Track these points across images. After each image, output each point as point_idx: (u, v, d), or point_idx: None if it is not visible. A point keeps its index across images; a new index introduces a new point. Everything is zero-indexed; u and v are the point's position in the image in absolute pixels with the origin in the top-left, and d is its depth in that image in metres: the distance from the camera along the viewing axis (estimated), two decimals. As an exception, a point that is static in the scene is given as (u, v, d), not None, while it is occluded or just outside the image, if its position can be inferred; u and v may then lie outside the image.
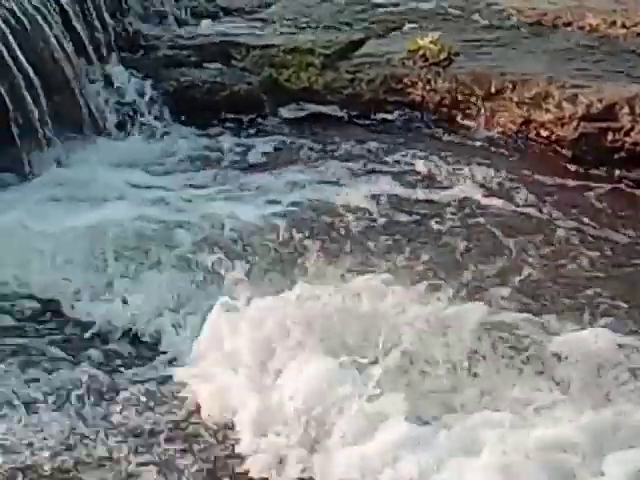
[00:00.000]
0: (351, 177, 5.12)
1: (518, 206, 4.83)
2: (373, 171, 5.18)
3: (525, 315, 3.93)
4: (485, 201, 4.86)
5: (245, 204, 4.85)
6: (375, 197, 4.91)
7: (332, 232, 4.63)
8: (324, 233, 4.60)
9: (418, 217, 4.75)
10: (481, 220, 4.71)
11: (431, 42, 5.71)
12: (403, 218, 4.75)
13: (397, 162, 5.26)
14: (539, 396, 3.50)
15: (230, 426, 3.58)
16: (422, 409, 3.47)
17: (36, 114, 5.06)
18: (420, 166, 5.18)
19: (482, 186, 4.99)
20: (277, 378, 3.59)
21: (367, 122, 5.64)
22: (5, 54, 4.98)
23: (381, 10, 6.32)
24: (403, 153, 5.32)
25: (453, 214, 4.77)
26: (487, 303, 3.97)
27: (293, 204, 4.86)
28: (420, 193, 4.95)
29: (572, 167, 5.18)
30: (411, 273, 4.23)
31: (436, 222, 4.70)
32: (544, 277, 4.32)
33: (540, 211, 4.80)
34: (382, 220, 4.73)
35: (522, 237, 4.58)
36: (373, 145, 5.43)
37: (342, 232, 4.63)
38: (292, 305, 3.81)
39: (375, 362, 3.56)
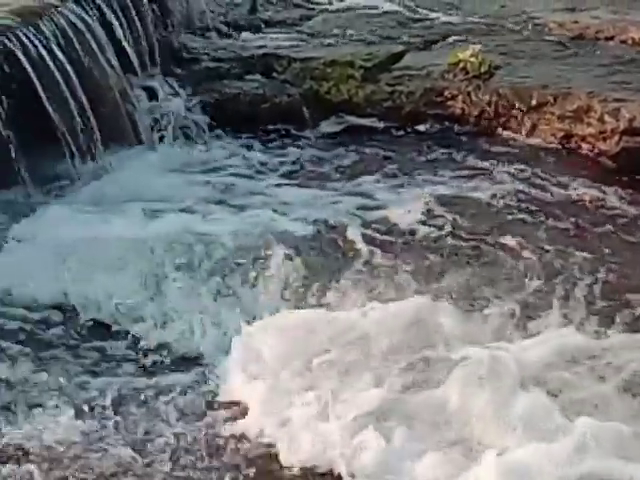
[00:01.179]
0: (390, 189, 5.16)
1: (560, 218, 4.84)
2: (411, 183, 5.20)
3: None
4: (527, 211, 4.88)
5: (285, 215, 4.91)
6: (414, 209, 4.92)
7: (373, 244, 4.64)
8: (367, 244, 4.62)
9: (460, 230, 4.76)
10: (526, 231, 4.72)
11: (472, 55, 5.75)
12: (445, 231, 4.76)
13: (436, 174, 5.29)
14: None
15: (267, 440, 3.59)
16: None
17: (82, 124, 5.14)
18: (460, 178, 5.20)
19: (522, 196, 5.01)
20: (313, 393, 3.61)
21: (407, 134, 5.69)
22: (53, 68, 5.09)
23: (421, 24, 6.39)
24: (442, 165, 5.37)
25: (497, 225, 4.78)
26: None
27: (334, 215, 4.89)
28: (460, 205, 4.97)
29: (613, 179, 5.18)
30: (469, 290, 4.24)
31: (480, 234, 4.71)
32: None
33: (583, 221, 4.81)
34: (423, 231, 4.75)
35: (572, 249, 4.57)
36: (412, 157, 5.49)
37: (384, 245, 4.65)
38: (328, 321, 3.86)
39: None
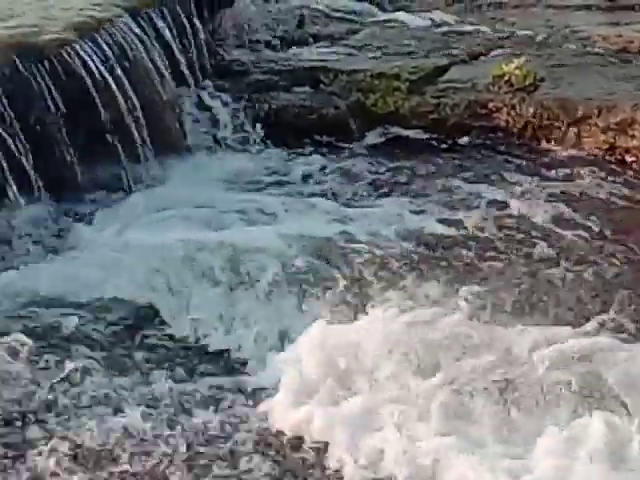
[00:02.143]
0: (436, 200, 5.22)
1: (607, 229, 4.87)
2: (455, 194, 5.27)
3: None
4: (571, 223, 4.92)
5: (330, 224, 5.00)
6: (460, 220, 5.00)
7: (414, 256, 4.69)
8: (411, 254, 4.69)
9: (508, 241, 4.80)
10: (569, 243, 4.77)
11: (516, 68, 5.82)
12: (492, 243, 4.80)
13: (480, 185, 5.35)
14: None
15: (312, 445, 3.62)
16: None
17: (135, 133, 5.32)
18: (504, 189, 5.27)
19: (566, 207, 5.05)
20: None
21: (452, 145, 5.78)
22: (109, 79, 5.27)
23: (466, 37, 6.49)
24: (486, 176, 5.43)
25: (543, 237, 4.81)
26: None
27: (379, 224, 4.97)
28: (505, 216, 5.02)
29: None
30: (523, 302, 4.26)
31: (525, 245, 4.75)
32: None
33: (626, 234, 4.83)
34: (470, 243, 4.79)
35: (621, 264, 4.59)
36: (457, 168, 5.57)
37: (424, 257, 4.69)
38: (380, 329, 3.93)
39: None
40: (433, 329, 3.97)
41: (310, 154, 5.72)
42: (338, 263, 4.62)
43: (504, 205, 5.13)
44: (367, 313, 4.18)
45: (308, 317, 4.26)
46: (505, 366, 3.77)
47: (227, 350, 4.20)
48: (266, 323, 4.30)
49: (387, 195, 5.32)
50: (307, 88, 6.02)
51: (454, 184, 5.36)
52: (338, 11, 6.82)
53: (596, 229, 4.88)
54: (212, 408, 3.79)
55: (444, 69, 6.12)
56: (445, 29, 6.60)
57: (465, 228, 4.92)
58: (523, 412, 3.61)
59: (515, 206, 5.10)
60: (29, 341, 4.06)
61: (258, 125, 5.79)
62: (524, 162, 5.56)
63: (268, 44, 6.43)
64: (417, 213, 5.09)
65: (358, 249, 4.73)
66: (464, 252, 4.71)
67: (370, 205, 5.20)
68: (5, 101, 4.90)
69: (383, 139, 5.86)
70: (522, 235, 4.84)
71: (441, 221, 4.98)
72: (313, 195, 5.31)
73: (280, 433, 3.67)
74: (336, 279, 4.50)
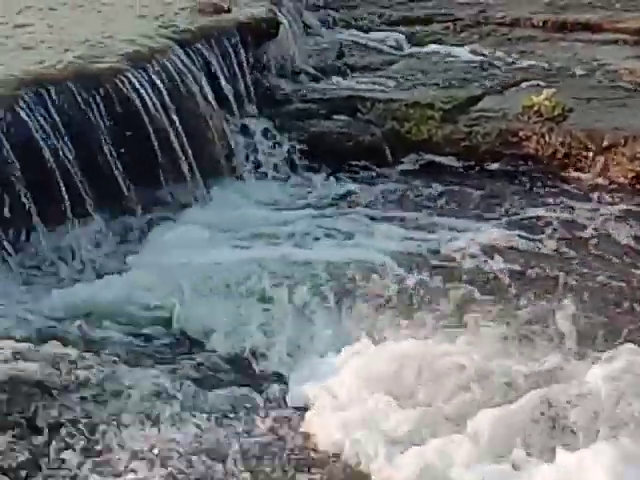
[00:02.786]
0: (467, 224, 5.44)
1: (633, 258, 5.02)
2: (487, 219, 5.48)
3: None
4: (599, 248, 5.12)
5: (368, 245, 5.22)
6: (489, 245, 5.18)
7: (448, 278, 4.87)
8: (444, 278, 4.86)
9: (535, 267, 4.95)
10: (595, 268, 4.94)
11: (546, 99, 6.06)
12: (520, 267, 4.95)
13: (511, 210, 5.57)
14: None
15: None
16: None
17: (182, 158, 5.58)
18: (532, 215, 5.46)
19: (593, 234, 5.25)
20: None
21: (483, 172, 6.02)
22: (159, 105, 5.57)
23: (498, 69, 6.72)
24: (517, 202, 5.66)
25: (568, 263, 4.99)
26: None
27: (413, 247, 5.20)
28: (534, 242, 5.20)
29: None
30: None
31: (553, 271, 4.91)
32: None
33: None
34: (496, 267, 4.96)
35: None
36: (488, 193, 5.80)
37: (459, 279, 4.86)
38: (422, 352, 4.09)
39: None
40: (466, 352, 4.13)
41: (347, 179, 5.97)
42: (375, 282, 4.82)
43: (532, 230, 5.31)
44: (405, 332, 4.38)
45: (346, 333, 4.48)
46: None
47: (264, 363, 4.41)
48: (304, 338, 4.52)
49: (420, 217, 5.53)
50: (345, 116, 6.27)
51: (485, 209, 5.59)
52: (375, 43, 7.07)
53: (623, 257, 5.04)
54: (248, 421, 3.98)
55: (476, 99, 6.37)
56: (477, 61, 6.82)
57: (495, 252, 5.09)
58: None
59: (543, 231, 5.30)
60: (78, 354, 4.28)
61: (298, 151, 6.05)
62: (552, 189, 5.78)
63: (309, 74, 6.68)
64: (448, 236, 5.28)
65: (389, 269, 4.92)
66: (494, 276, 4.88)
67: (403, 226, 5.41)
68: (61, 126, 5.21)
69: (417, 165, 6.10)
70: (550, 261, 5.01)
71: (472, 244, 5.17)
72: (349, 217, 5.54)
73: (315, 448, 3.84)
74: (374, 298, 4.70)
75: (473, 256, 5.07)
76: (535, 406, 3.79)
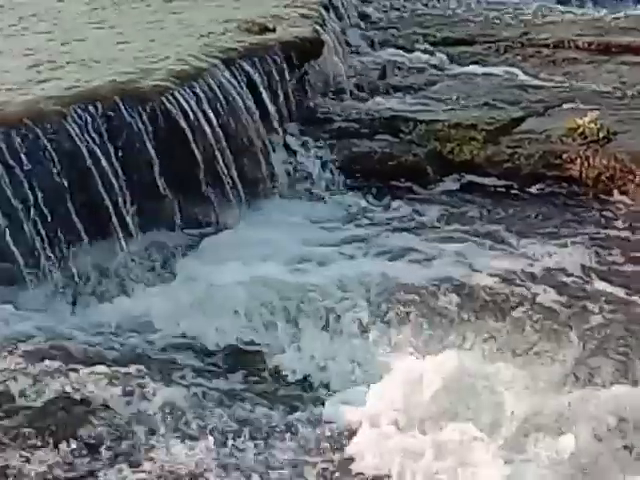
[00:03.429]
0: (509, 245, 5.43)
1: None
2: (528, 241, 5.44)
3: None
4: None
5: (412, 265, 5.23)
6: (530, 267, 5.14)
7: (491, 300, 4.86)
8: (487, 301, 4.86)
9: (579, 292, 4.93)
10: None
11: (590, 121, 6.03)
12: (563, 291, 4.93)
13: (552, 234, 5.53)
14: None
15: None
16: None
17: (226, 175, 5.63)
18: (575, 238, 5.43)
19: (637, 258, 5.20)
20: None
21: (525, 194, 5.98)
22: (203, 122, 5.62)
23: (541, 90, 6.71)
24: (559, 225, 5.62)
25: (611, 287, 4.94)
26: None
27: (455, 267, 5.18)
28: (574, 265, 5.17)
29: None
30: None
31: (597, 294, 4.89)
32: None
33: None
34: (538, 290, 4.92)
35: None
36: (530, 215, 5.76)
37: (497, 302, 4.83)
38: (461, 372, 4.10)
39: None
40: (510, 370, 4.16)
41: (389, 198, 5.96)
42: (424, 302, 4.83)
43: (574, 254, 5.28)
44: (457, 351, 4.37)
45: (395, 353, 4.51)
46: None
47: (313, 382, 4.47)
48: (353, 357, 4.56)
49: (460, 237, 5.51)
50: (387, 136, 6.29)
51: (527, 230, 5.55)
52: (418, 63, 7.10)
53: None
54: (286, 441, 4.01)
55: (519, 120, 6.36)
56: (521, 82, 6.83)
57: (536, 275, 5.06)
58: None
59: (584, 255, 5.26)
60: (121, 370, 4.35)
61: (340, 170, 6.08)
62: (596, 212, 5.74)
63: (352, 93, 6.73)
64: (489, 256, 5.29)
65: (434, 288, 4.93)
66: (537, 299, 4.84)
67: (443, 247, 5.40)
68: (108, 142, 5.28)
69: (458, 186, 6.10)
70: (592, 285, 4.98)
71: (513, 265, 5.14)
72: (391, 236, 5.55)
73: (364, 466, 3.86)
74: (421, 317, 4.71)
75: (513, 278, 5.03)
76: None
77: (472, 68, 7.08)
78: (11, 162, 4.93)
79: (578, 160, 5.94)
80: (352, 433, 4.02)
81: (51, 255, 5.00)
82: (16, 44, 6.18)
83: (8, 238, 4.82)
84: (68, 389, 4.21)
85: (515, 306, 4.79)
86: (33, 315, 4.80)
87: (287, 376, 4.53)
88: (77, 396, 4.19)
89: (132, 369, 4.36)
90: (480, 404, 3.97)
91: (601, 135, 5.99)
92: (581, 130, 6.05)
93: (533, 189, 5.98)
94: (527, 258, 5.24)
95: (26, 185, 4.95)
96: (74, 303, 5.02)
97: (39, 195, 4.96)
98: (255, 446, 3.97)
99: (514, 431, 3.86)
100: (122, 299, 5.02)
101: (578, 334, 4.56)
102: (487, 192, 6.02)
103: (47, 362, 4.34)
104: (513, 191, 6.01)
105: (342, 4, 7.49)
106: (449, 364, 4.16)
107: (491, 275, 5.07)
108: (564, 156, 5.97)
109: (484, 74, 6.95)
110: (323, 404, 4.28)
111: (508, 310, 4.75)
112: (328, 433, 4.06)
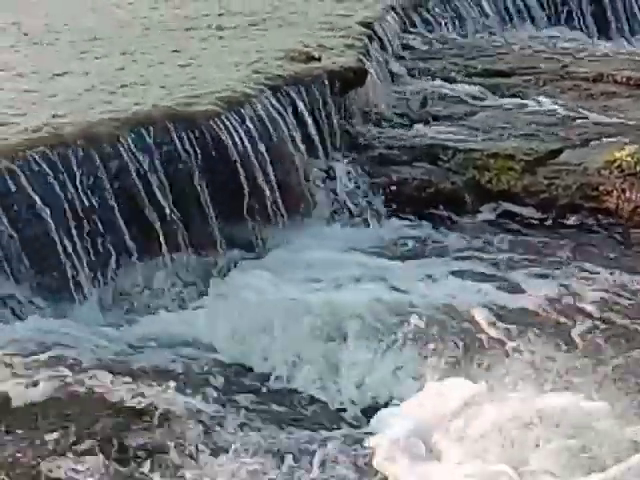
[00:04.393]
0: (544, 276, 5.50)
1: None
2: (565, 271, 5.52)
3: None
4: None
5: (447, 291, 5.31)
6: (564, 301, 5.20)
7: (529, 328, 4.90)
8: (527, 329, 4.90)
9: (617, 324, 4.99)
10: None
11: (628, 155, 6.11)
12: (601, 322, 4.99)
13: (588, 265, 5.60)
14: None
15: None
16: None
17: (269, 199, 5.81)
18: (611, 270, 5.49)
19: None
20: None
21: (562, 225, 6.07)
22: (249, 147, 5.80)
23: (580, 122, 6.79)
24: (594, 257, 5.69)
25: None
26: None
27: (490, 296, 5.27)
28: (611, 297, 5.22)
29: None
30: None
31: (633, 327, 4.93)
32: None
33: None
34: (576, 320, 5.00)
35: None
36: (566, 246, 5.84)
37: (526, 333, 4.86)
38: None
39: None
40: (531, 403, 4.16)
41: (427, 225, 6.09)
42: (452, 327, 4.92)
43: (609, 286, 5.33)
44: (482, 377, 4.42)
45: (418, 376, 4.59)
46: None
47: (335, 403, 4.56)
48: (376, 378, 4.65)
49: (498, 266, 5.60)
50: (426, 164, 6.42)
51: (562, 262, 5.63)
52: (458, 93, 7.21)
53: None
54: (316, 459, 4.06)
55: (557, 152, 6.43)
56: (559, 114, 6.90)
57: (573, 306, 5.13)
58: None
59: (620, 287, 5.31)
60: (157, 383, 4.45)
61: (380, 196, 6.20)
62: (633, 245, 5.81)
63: (392, 121, 6.85)
64: (527, 286, 5.35)
65: (467, 315, 5.01)
66: (572, 329, 4.91)
67: (480, 276, 5.49)
68: (158, 164, 5.48)
69: (496, 215, 6.20)
70: (629, 318, 5.02)
71: (548, 297, 5.21)
72: (427, 263, 5.65)
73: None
74: (448, 342, 4.79)
75: (548, 308, 5.11)
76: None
77: (511, 100, 7.17)
78: (67, 181, 5.14)
79: (615, 193, 6.02)
80: (388, 459, 4.06)
81: (100, 270, 5.20)
82: (76, 67, 6.43)
83: (61, 253, 5.04)
84: (111, 401, 4.33)
85: (555, 337, 4.84)
86: (80, 328, 4.94)
87: (322, 398, 4.61)
88: (120, 407, 4.30)
89: (170, 383, 4.46)
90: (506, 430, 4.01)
91: (638, 168, 6.06)
92: (618, 163, 6.13)
93: (569, 220, 6.08)
94: (561, 288, 5.29)
95: (79, 202, 5.17)
96: (118, 314, 5.20)
97: (91, 212, 5.17)
98: (288, 467, 4.04)
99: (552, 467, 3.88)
100: (165, 314, 5.17)
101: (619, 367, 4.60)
102: (523, 222, 6.12)
103: (91, 374, 4.46)
104: (549, 222, 6.10)
105: (385, 35, 7.64)
106: (489, 394, 4.23)
107: (529, 303, 5.14)
108: (601, 188, 6.06)
109: (523, 106, 7.04)
110: (350, 426, 4.37)
111: (546, 341, 4.80)
112: (364, 459, 4.09)
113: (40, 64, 6.48)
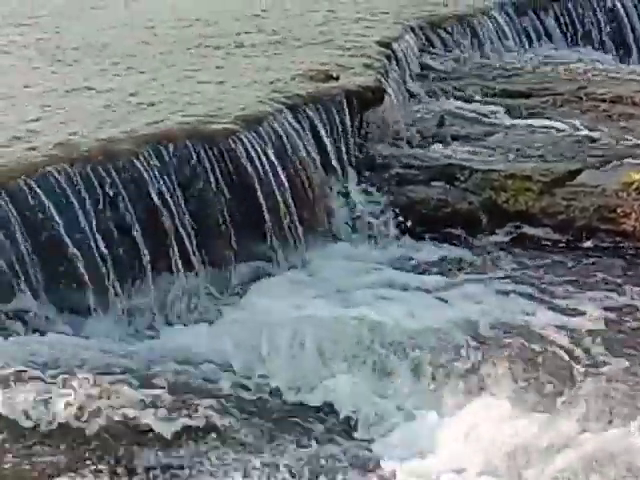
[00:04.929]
0: (560, 297, 5.49)
1: None
2: (581, 294, 5.50)
3: None
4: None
5: (464, 311, 5.30)
6: (581, 322, 5.19)
7: (547, 352, 4.87)
8: (545, 353, 4.87)
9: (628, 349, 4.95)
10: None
11: (646, 177, 6.14)
12: (619, 347, 4.96)
13: (605, 287, 5.58)
14: None
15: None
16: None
17: (286, 217, 5.82)
18: (628, 295, 5.46)
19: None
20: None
21: (578, 246, 6.05)
22: (267, 165, 5.83)
23: (597, 144, 6.77)
24: (611, 279, 5.66)
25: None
26: None
27: (507, 317, 5.26)
28: (625, 322, 5.19)
29: None
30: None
31: None
32: None
33: None
34: (588, 346, 4.96)
35: None
36: (582, 268, 5.82)
37: (556, 354, 4.85)
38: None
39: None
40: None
41: (443, 245, 6.09)
42: (468, 351, 4.89)
43: (626, 311, 5.31)
44: (504, 405, 4.43)
45: (437, 399, 4.58)
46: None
47: (354, 424, 4.53)
48: (397, 401, 4.64)
49: (513, 288, 5.57)
50: (443, 183, 6.43)
51: (580, 284, 5.61)
52: (476, 114, 7.22)
53: None
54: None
55: (575, 173, 6.42)
56: (577, 136, 6.88)
57: (590, 330, 5.10)
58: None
59: (635, 311, 5.29)
60: (172, 399, 4.46)
61: (396, 215, 6.20)
62: (649, 267, 5.83)
63: (410, 141, 6.86)
64: (545, 308, 5.34)
65: (483, 339, 4.99)
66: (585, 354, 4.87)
67: (499, 296, 5.48)
68: (176, 181, 5.52)
69: (512, 235, 6.18)
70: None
71: (564, 321, 5.18)
72: (442, 283, 5.64)
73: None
74: (462, 366, 4.77)
75: (564, 330, 5.07)
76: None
77: (529, 120, 7.16)
78: (86, 197, 5.19)
79: (633, 215, 6.00)
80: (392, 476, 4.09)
81: (118, 285, 5.22)
82: (95, 84, 6.48)
83: (81, 269, 5.07)
84: (128, 416, 4.34)
85: (573, 362, 4.81)
86: (97, 343, 4.96)
87: (326, 415, 4.60)
88: (137, 424, 4.32)
89: (187, 400, 4.47)
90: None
91: (656, 191, 6.10)
92: (636, 185, 6.11)
93: (587, 242, 6.05)
94: (578, 311, 5.27)
95: (98, 219, 5.20)
96: (135, 330, 5.22)
97: (110, 228, 5.22)
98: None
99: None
100: (181, 330, 5.20)
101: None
102: (541, 243, 6.10)
103: (107, 390, 4.47)
104: (566, 243, 6.08)
105: (404, 54, 7.67)
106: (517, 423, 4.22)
107: (545, 327, 5.12)
108: (619, 210, 6.04)
109: (541, 126, 7.03)
110: (365, 445, 4.35)
111: (564, 366, 4.77)
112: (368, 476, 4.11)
113: (60, 81, 6.55)
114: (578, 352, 4.92)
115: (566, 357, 4.86)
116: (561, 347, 4.94)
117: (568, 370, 4.75)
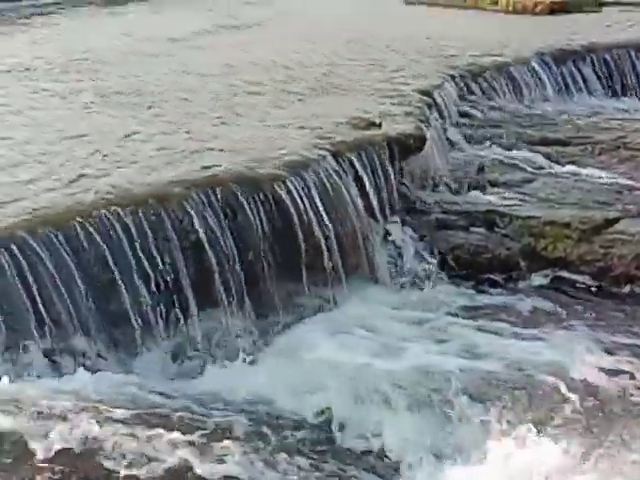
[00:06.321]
0: (599, 341, 5.53)
1: None
2: (620, 340, 5.55)
3: None
4: None
5: (500, 355, 5.37)
6: (621, 366, 5.24)
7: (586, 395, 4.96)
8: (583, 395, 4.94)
9: None
10: None
11: (685, 225, 6.20)
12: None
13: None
14: None
15: None
16: None
17: (328, 260, 5.96)
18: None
19: None
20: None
21: (617, 294, 6.13)
22: (310, 209, 5.98)
23: (636, 192, 6.84)
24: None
25: None
26: None
27: (545, 362, 5.31)
28: None
29: None
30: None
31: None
32: None
33: None
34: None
35: None
36: (619, 315, 5.88)
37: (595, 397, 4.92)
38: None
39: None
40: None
41: (482, 290, 6.19)
42: (509, 389, 4.98)
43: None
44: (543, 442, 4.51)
45: (478, 437, 4.64)
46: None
47: (396, 462, 4.61)
48: (436, 438, 4.70)
49: (549, 333, 5.65)
50: (483, 229, 6.55)
51: (620, 330, 5.67)
52: (515, 161, 7.33)
53: None
54: None
55: (613, 221, 6.51)
56: (615, 184, 6.97)
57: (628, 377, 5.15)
58: None
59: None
60: (217, 437, 4.51)
61: (436, 260, 6.34)
62: (687, 316, 5.87)
63: (450, 187, 7.01)
64: (585, 353, 5.37)
65: (518, 379, 5.06)
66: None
67: (537, 343, 5.53)
68: (223, 223, 5.69)
69: (550, 281, 6.28)
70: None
71: (600, 367, 5.23)
72: (482, 328, 5.72)
73: None
74: (504, 405, 4.83)
75: (603, 375, 5.14)
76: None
77: (568, 168, 7.27)
78: (136, 238, 5.37)
79: (671, 263, 6.11)
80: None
81: (166, 324, 5.38)
82: (146, 129, 6.72)
83: (129, 308, 5.25)
84: (167, 456, 4.38)
85: (609, 404, 4.88)
86: (144, 381, 5.04)
87: (368, 455, 4.67)
88: (182, 466, 4.35)
89: (232, 441, 4.52)
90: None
91: (694, 240, 6.15)
92: (674, 234, 6.22)
93: (624, 289, 6.13)
94: (613, 358, 5.31)
95: (148, 260, 5.38)
96: (179, 366, 5.35)
97: (160, 267, 5.39)
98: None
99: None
100: (225, 369, 5.29)
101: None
102: (578, 290, 6.19)
103: (152, 429, 4.52)
104: (604, 290, 6.15)
105: (444, 103, 7.85)
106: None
107: (586, 371, 5.17)
108: (657, 258, 6.15)
109: (579, 174, 7.13)
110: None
111: (600, 409, 4.84)
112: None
113: (112, 126, 6.79)
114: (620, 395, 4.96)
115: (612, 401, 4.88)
116: (601, 391, 4.96)
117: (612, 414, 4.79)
